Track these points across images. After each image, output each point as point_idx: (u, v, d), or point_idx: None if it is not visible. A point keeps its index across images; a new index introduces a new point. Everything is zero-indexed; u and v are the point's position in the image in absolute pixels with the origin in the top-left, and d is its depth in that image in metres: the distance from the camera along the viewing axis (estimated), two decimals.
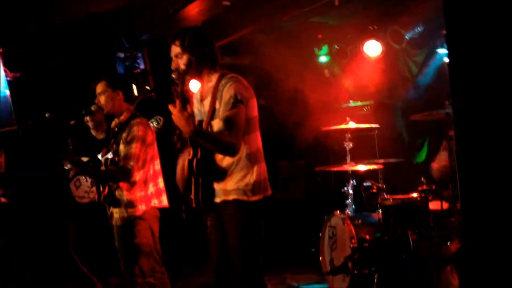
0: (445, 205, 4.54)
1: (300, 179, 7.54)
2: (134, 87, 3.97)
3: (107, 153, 4.15)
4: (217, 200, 3.37)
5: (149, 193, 4.19)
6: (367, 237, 5.07)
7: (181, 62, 3.36)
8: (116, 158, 4.08)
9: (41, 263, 6.16)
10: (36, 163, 6.37)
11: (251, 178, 3.30)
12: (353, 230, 5.07)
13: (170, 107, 3.12)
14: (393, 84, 6.46)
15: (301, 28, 6.54)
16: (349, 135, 5.56)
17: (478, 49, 2.29)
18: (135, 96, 4.02)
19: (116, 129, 4.20)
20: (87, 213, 5.68)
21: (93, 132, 4.36)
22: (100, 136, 4.36)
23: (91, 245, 6.14)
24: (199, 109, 3.48)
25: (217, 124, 3.29)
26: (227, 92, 3.26)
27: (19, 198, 5.93)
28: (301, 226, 6.85)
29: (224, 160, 3.32)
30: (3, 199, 5.47)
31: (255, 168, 3.32)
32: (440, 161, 5.19)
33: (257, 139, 3.39)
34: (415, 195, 4.86)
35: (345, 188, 5.58)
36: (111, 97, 4.20)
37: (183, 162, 3.44)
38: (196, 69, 3.37)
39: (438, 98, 5.00)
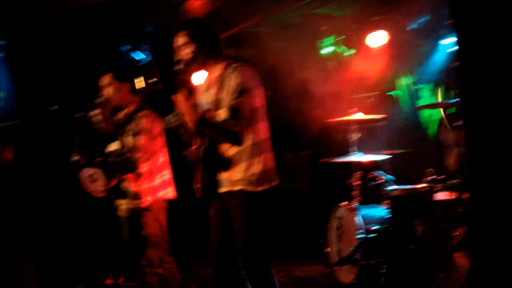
0: (453, 195, 4.52)
1: (305, 171, 7.51)
2: (141, 78, 3.93)
3: (114, 144, 4.14)
4: (223, 190, 3.35)
5: (156, 184, 4.18)
6: (374, 228, 5.06)
7: (186, 53, 3.34)
8: (123, 150, 4.07)
9: (42, 263, 6.09)
10: (41, 157, 6.35)
11: (257, 168, 3.28)
12: (360, 221, 5.05)
13: (175, 97, 3.11)
14: (398, 74, 6.43)
15: (304, 19, 6.50)
16: (356, 126, 5.52)
17: (485, 38, 2.28)
18: (141, 88, 3.99)
19: (122, 121, 4.18)
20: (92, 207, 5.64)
21: (97, 126, 4.29)
22: (104, 130, 4.32)
23: (97, 240, 6.14)
24: (205, 99, 3.45)
25: (223, 114, 3.27)
26: (233, 81, 3.25)
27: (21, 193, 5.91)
28: (307, 218, 6.82)
29: (230, 150, 3.30)
30: None
31: (261, 158, 3.30)
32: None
33: (264, 129, 3.37)
34: (422, 185, 4.84)
35: (351, 179, 5.55)
36: (118, 89, 4.18)
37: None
38: (201, 59, 3.36)
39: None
